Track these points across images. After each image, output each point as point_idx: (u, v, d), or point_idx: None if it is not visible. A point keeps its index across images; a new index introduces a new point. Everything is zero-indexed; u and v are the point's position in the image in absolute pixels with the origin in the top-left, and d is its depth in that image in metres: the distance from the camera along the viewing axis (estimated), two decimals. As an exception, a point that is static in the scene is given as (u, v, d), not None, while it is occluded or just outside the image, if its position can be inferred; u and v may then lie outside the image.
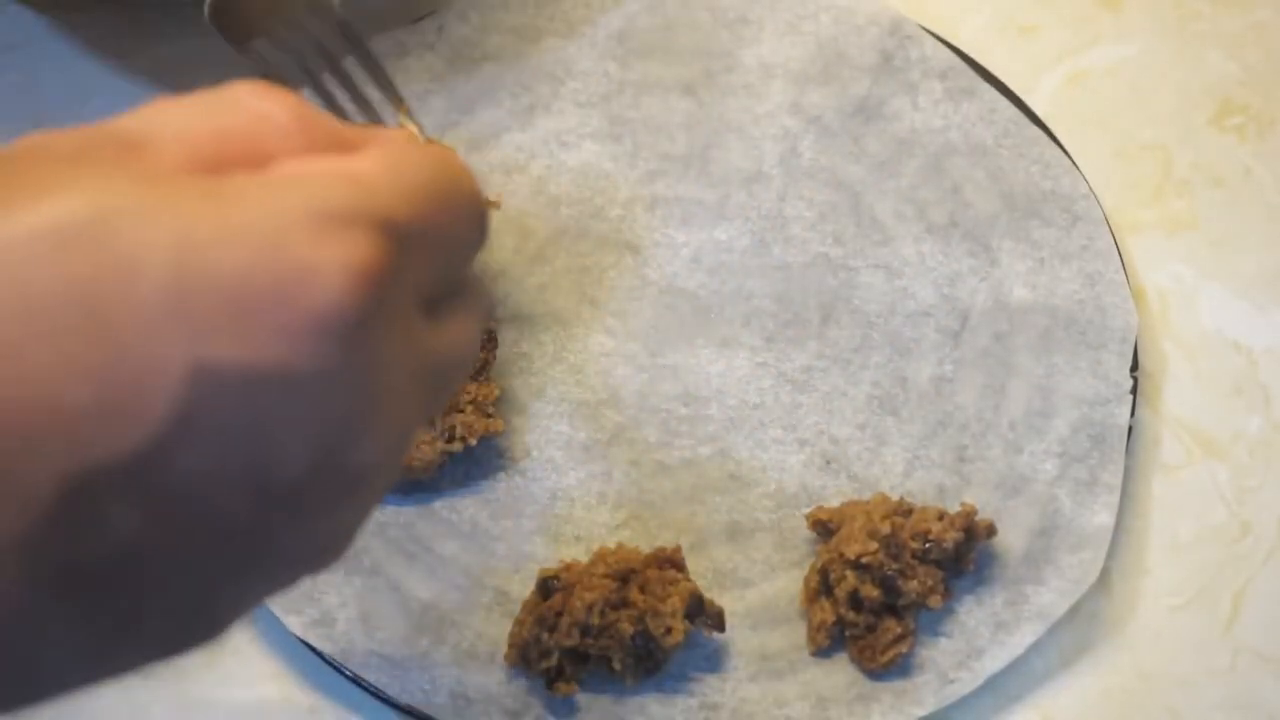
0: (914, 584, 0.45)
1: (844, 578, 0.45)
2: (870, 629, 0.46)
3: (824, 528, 0.48)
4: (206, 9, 0.43)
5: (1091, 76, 0.59)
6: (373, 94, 0.45)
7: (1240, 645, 0.47)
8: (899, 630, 0.45)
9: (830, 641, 0.46)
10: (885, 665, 0.45)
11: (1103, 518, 0.48)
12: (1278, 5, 0.60)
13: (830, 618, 0.46)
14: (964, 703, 0.45)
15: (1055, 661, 0.47)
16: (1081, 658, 0.47)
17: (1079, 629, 0.47)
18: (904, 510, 0.47)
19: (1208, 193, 0.56)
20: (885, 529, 0.45)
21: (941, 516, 0.46)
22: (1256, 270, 0.54)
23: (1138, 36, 0.60)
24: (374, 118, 0.45)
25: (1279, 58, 0.59)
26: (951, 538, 0.46)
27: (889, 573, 0.45)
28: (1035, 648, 0.46)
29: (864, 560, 0.45)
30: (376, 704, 0.46)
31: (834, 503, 0.48)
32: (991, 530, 0.47)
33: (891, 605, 0.46)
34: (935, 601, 0.46)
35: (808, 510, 0.48)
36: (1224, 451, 0.51)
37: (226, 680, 0.46)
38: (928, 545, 0.46)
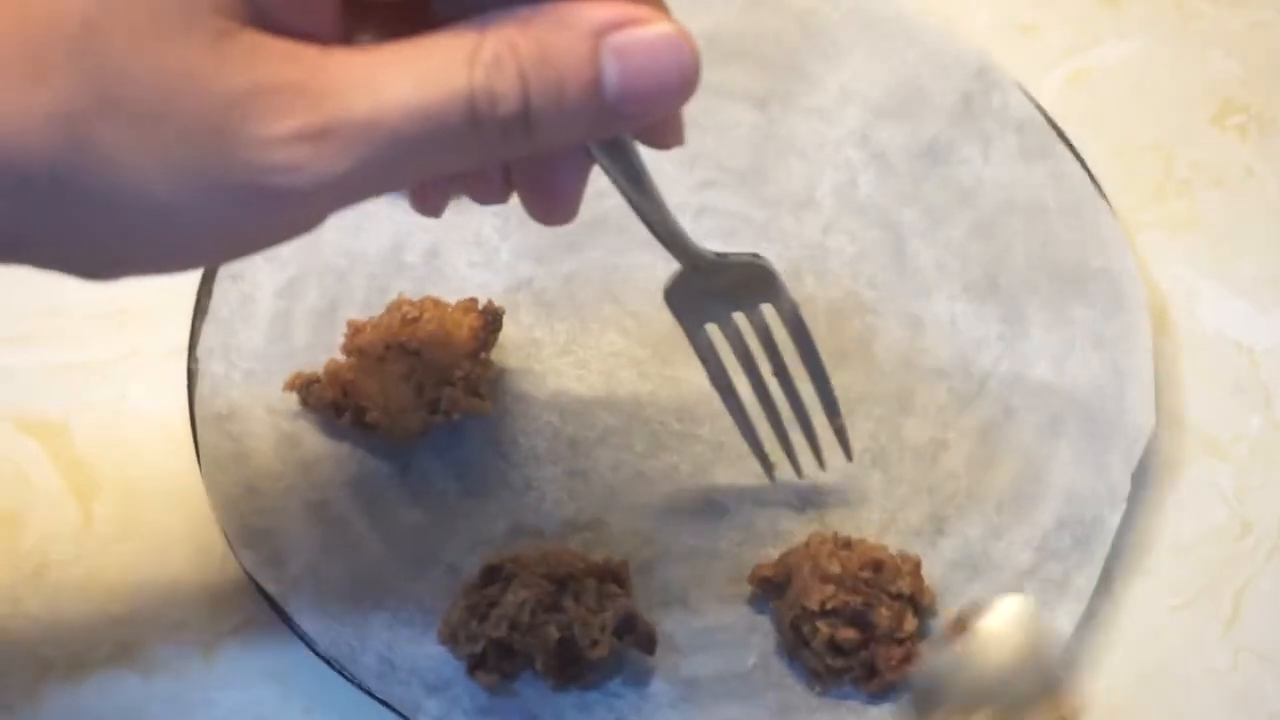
0: (885, 612, 0.44)
1: (816, 630, 0.44)
2: (868, 666, 0.44)
3: (770, 585, 0.46)
4: (663, 291, 0.43)
5: (1092, 76, 0.58)
6: (808, 394, 0.45)
7: (1241, 645, 0.46)
8: (901, 654, 0.44)
9: (830, 686, 0.44)
10: (894, 684, 0.44)
11: (1062, 622, 0.45)
12: (1279, 5, 0.60)
13: (821, 667, 0.44)
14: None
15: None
16: (1081, 657, 0.46)
17: (1079, 629, 0.46)
18: (843, 543, 0.45)
19: (1208, 193, 0.55)
20: (835, 568, 0.44)
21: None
22: (1257, 270, 0.53)
23: (1138, 36, 0.59)
24: (805, 420, 0.46)
25: (1280, 58, 0.59)
26: (908, 577, 0.45)
27: (857, 609, 0.44)
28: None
29: (829, 606, 0.44)
30: (372, 705, 0.44)
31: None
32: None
33: (870, 638, 0.44)
34: (910, 625, 0.44)
35: (755, 565, 0.46)
36: (1225, 451, 0.50)
37: (223, 681, 0.45)
38: (882, 573, 0.44)
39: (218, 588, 0.47)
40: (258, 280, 0.51)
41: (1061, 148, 0.53)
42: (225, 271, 0.50)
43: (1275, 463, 0.50)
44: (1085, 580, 0.46)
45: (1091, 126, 0.56)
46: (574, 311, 0.51)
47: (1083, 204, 0.52)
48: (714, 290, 0.43)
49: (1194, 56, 0.58)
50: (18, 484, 0.49)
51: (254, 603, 0.46)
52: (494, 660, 0.44)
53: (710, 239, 0.51)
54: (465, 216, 0.52)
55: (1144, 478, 0.49)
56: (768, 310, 0.44)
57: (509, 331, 0.50)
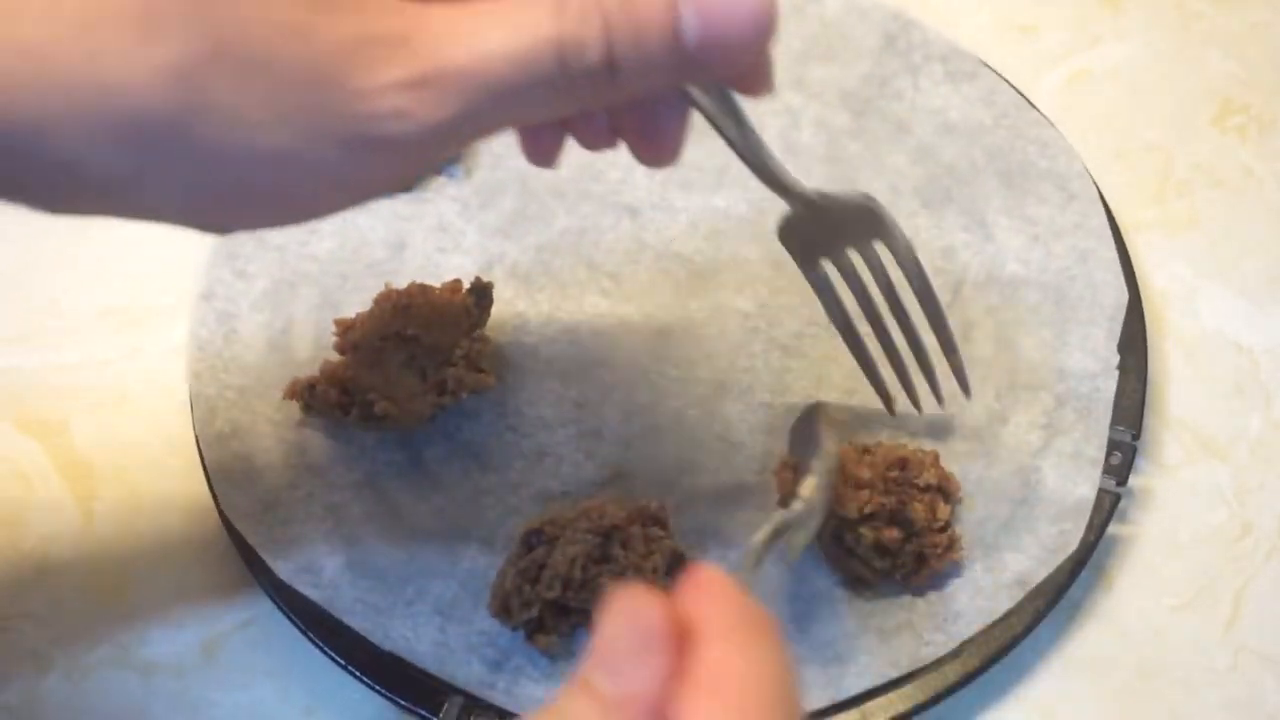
0: (919, 506, 0.45)
1: (860, 536, 0.45)
2: (919, 557, 0.45)
3: None
4: (777, 230, 0.44)
5: (1092, 77, 0.58)
6: (928, 337, 0.46)
7: (1240, 645, 0.46)
8: (945, 540, 0.45)
9: (878, 587, 0.46)
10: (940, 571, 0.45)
11: (1084, 490, 0.47)
12: (1278, 5, 0.60)
13: (868, 571, 0.45)
14: (964, 701, 0.44)
15: (1056, 661, 0.46)
16: (1082, 657, 0.46)
17: (1080, 628, 0.47)
18: (864, 450, 0.46)
19: (1208, 193, 0.55)
20: (865, 473, 0.45)
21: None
22: (1257, 270, 0.53)
23: (1138, 37, 0.59)
24: (924, 357, 0.46)
25: (1279, 58, 0.59)
26: (931, 468, 0.46)
27: (893, 508, 0.45)
28: (1035, 646, 0.45)
29: (867, 511, 0.45)
30: (373, 704, 0.45)
31: None
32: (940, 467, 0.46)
33: (910, 534, 0.45)
34: (944, 512, 0.45)
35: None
36: (1224, 451, 0.50)
37: (225, 681, 0.45)
38: (908, 470, 0.46)
39: (218, 587, 0.47)
40: (231, 297, 0.51)
41: (985, 70, 0.55)
42: (197, 291, 0.50)
43: (1275, 463, 0.50)
44: (1095, 449, 0.48)
45: (1091, 127, 0.56)
46: (551, 280, 0.52)
47: (1016, 115, 0.55)
48: (825, 229, 0.44)
49: (1194, 56, 0.58)
50: (18, 484, 0.49)
51: (254, 602, 0.46)
52: (550, 622, 0.44)
53: (667, 191, 0.53)
54: (421, 206, 0.53)
55: (1143, 477, 0.49)
56: (881, 249, 0.44)
57: (493, 308, 0.50)
